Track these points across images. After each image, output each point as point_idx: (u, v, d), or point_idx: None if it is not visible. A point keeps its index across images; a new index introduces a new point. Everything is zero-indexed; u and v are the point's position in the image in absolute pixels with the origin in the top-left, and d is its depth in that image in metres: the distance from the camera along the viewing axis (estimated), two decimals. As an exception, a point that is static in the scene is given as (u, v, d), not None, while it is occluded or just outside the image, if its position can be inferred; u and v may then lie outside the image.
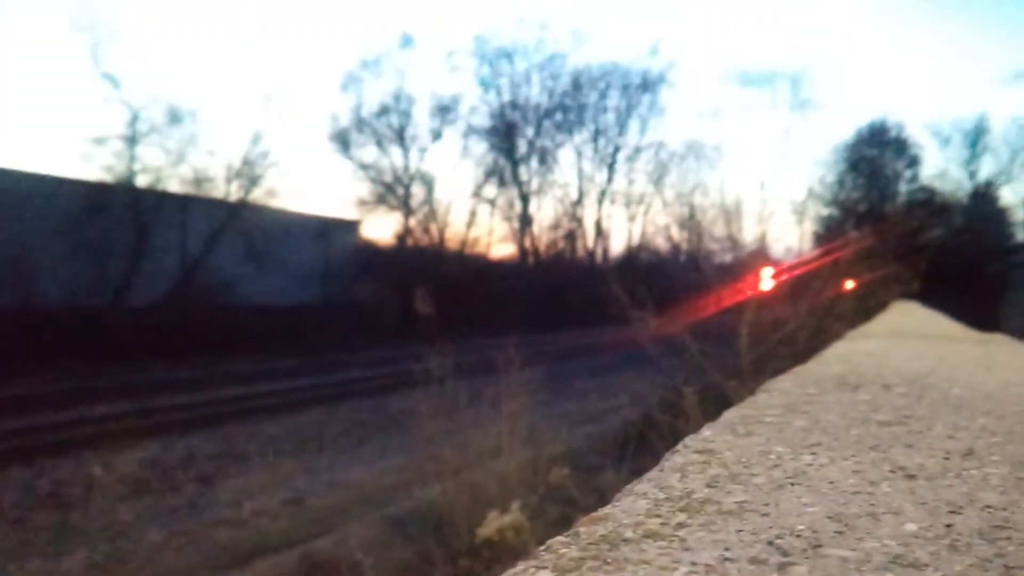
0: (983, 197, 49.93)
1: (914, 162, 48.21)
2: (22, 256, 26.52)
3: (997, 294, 33.74)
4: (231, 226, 34.63)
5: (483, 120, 56.91)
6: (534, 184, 58.39)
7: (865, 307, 11.89)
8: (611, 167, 60.70)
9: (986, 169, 51.81)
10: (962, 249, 39.26)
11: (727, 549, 1.02)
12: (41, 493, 11.48)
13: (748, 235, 12.07)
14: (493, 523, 3.92)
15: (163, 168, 34.58)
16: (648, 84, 59.86)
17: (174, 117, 35.04)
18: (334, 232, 42.86)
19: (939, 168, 51.34)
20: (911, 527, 1.11)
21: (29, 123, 51.47)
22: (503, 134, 56.38)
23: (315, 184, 62.70)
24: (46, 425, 15.12)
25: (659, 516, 1.15)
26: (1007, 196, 50.82)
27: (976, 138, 51.38)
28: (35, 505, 11.03)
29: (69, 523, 10.40)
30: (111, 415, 16.28)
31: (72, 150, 33.02)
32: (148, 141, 34.11)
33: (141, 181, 33.43)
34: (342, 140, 51.07)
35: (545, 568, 0.95)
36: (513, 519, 3.82)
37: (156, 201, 32.43)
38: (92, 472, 12.13)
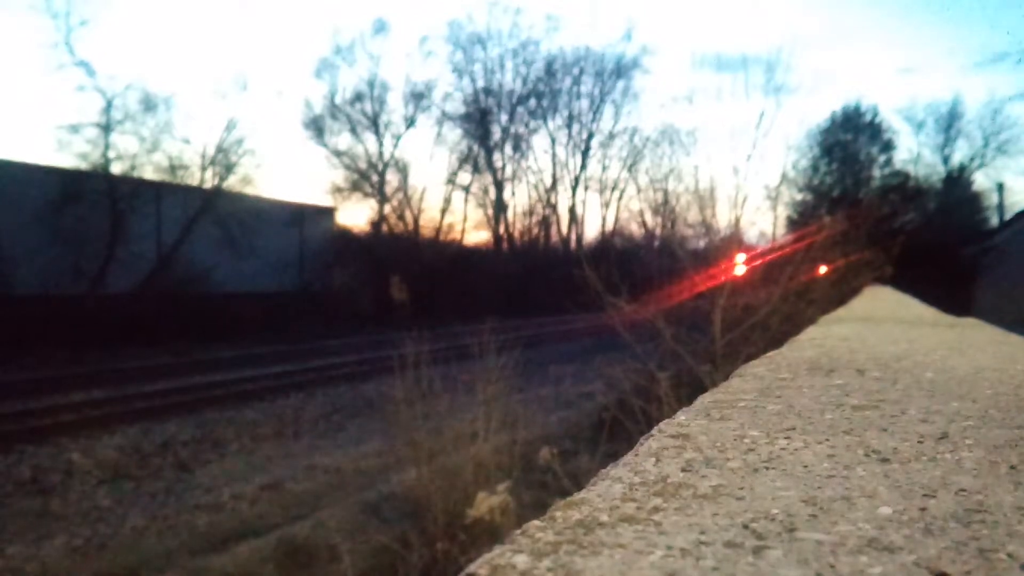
0: (957, 182, 50.24)
1: (888, 147, 48.41)
2: (-2, 243, 26.41)
3: (970, 278, 33.97)
4: (206, 213, 34.56)
5: (457, 106, 56.94)
6: (508, 170, 58.49)
7: (838, 292, 11.95)
8: (585, 153, 60.90)
9: (960, 153, 52.18)
10: (936, 234, 39.47)
11: (702, 533, 1.02)
12: (21, 479, 11.44)
13: (722, 220, 12.09)
14: (483, 503, 3.96)
15: (138, 155, 34.54)
16: (622, 70, 60.02)
17: (148, 104, 34.97)
18: (310, 219, 42.80)
19: (913, 153, 51.62)
20: (885, 511, 1.12)
21: (3, 111, 50.95)
22: (477, 120, 56.35)
23: (289, 171, 62.56)
24: (24, 412, 15.06)
25: (634, 500, 1.15)
26: (981, 180, 51.19)
27: (950, 123, 51.69)
28: (15, 491, 10.99)
29: (49, 508, 10.37)
30: (89, 402, 16.24)
31: (48, 137, 32.82)
32: (122, 128, 34.06)
33: (116, 168, 33.32)
34: (316, 127, 51.06)
35: (521, 552, 0.95)
36: (501, 500, 3.87)
37: (131, 188, 32.30)
38: (71, 458, 12.11)
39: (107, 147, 33.27)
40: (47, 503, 10.57)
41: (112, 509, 10.36)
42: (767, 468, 1.33)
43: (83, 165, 32.47)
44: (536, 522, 1.06)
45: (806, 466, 1.34)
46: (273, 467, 12.22)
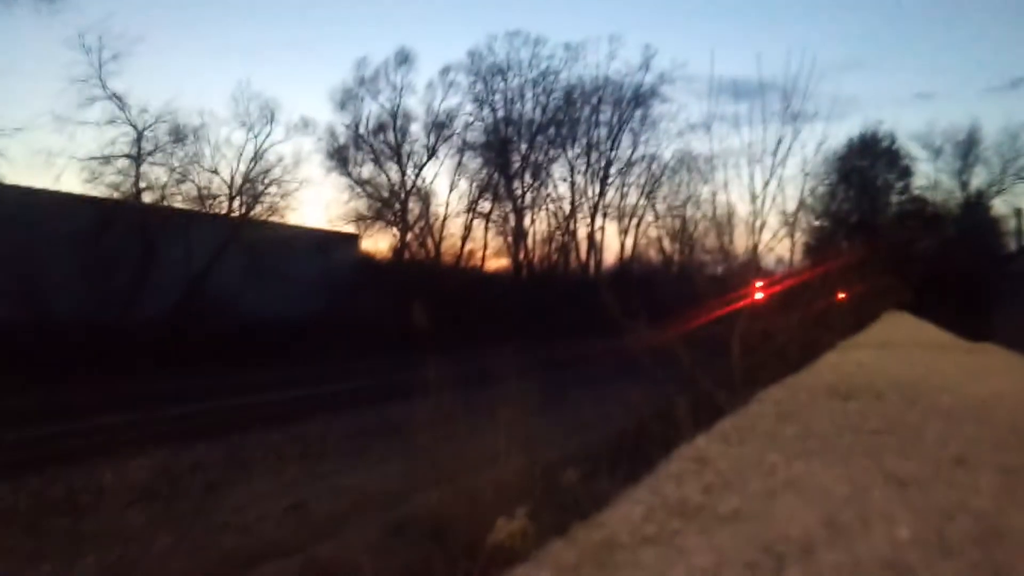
0: (975, 207, 50.00)
1: (905, 173, 48.01)
2: (34, 271, 26.80)
3: (989, 304, 33.77)
4: (234, 241, 35.03)
5: (478, 136, 57.31)
6: (528, 198, 58.72)
7: (857, 317, 11.86)
8: (604, 181, 61.04)
9: (978, 179, 51.99)
10: (954, 259, 39.27)
11: (722, 554, 1.03)
12: (54, 499, 11.51)
13: (740, 246, 12.01)
14: (503, 529, 3.97)
15: (168, 185, 35.29)
16: (640, 98, 60.23)
17: (178, 136, 35.60)
18: (334, 246, 43.26)
19: (930, 179, 51.28)
20: (903, 533, 1.13)
21: (39, 141, 51.75)
22: (497, 149, 56.71)
23: (313, 198, 63.32)
24: (58, 434, 15.21)
25: (655, 522, 1.16)
26: (999, 206, 50.94)
27: (967, 149, 51.48)
28: (48, 511, 11.05)
29: (81, 528, 10.42)
30: (121, 424, 16.34)
31: (79, 168, 33.35)
32: (153, 159, 34.76)
33: (146, 198, 33.96)
34: (340, 157, 51.56)
35: (545, 572, 0.97)
36: (521, 524, 3.87)
37: (162, 218, 32.86)
38: (103, 479, 12.17)
39: (138, 178, 33.96)
40: (79, 523, 10.62)
41: (142, 529, 10.38)
42: (786, 491, 1.34)
43: (114, 195, 33.09)
44: (559, 542, 1.08)
45: (824, 489, 1.35)
46: (298, 488, 12.22)
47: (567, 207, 60.31)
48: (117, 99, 33.90)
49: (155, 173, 35.13)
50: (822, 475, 1.46)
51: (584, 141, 60.52)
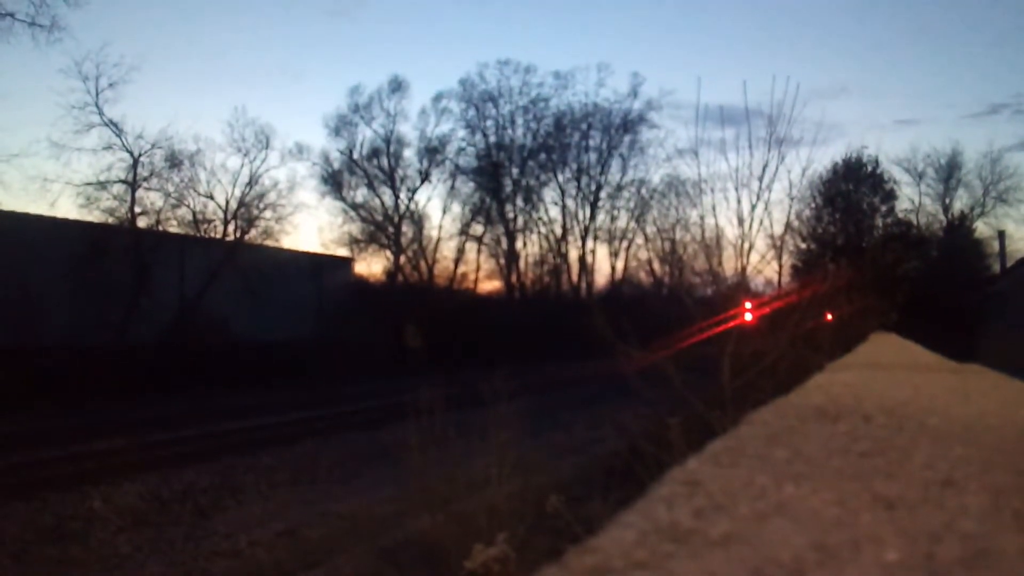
0: (958, 230, 50.76)
1: (889, 196, 48.32)
2: (27, 296, 26.87)
3: (973, 324, 34.06)
4: (228, 265, 35.23)
5: (470, 161, 58.65)
6: (520, 221, 59.80)
7: (844, 339, 11.88)
8: (594, 204, 62.19)
9: (960, 202, 53.09)
10: (939, 281, 39.67)
11: (713, 578, 1.04)
12: (43, 526, 11.45)
13: (728, 269, 12.05)
14: (479, 556, 3.93)
15: (163, 210, 36.04)
16: (628, 125, 61.36)
17: (173, 161, 36.03)
18: (328, 269, 43.61)
19: (914, 202, 52.06)
20: (892, 556, 1.13)
21: (35, 167, 52.04)
22: (489, 174, 57.75)
23: (307, 222, 63.87)
24: (49, 460, 15.20)
25: (647, 546, 1.17)
26: (982, 228, 51.93)
27: (950, 173, 52.55)
28: (37, 538, 11.00)
29: (70, 555, 10.38)
30: (112, 450, 16.31)
31: (75, 193, 33.74)
32: (148, 185, 35.43)
33: (141, 223, 34.43)
34: (335, 182, 52.24)
35: (538, 596, 0.97)
36: (499, 551, 3.83)
37: (156, 242, 33.17)
38: (93, 505, 12.12)
39: (133, 203, 34.66)
40: (68, 550, 10.58)
41: (132, 556, 10.36)
42: (776, 514, 1.34)
43: (110, 220, 33.35)
44: (551, 568, 1.08)
45: (814, 512, 1.35)
46: (290, 513, 12.21)
47: (558, 230, 61.23)
48: (114, 126, 34.34)
49: (150, 198, 36.06)
50: (812, 498, 1.46)
51: (574, 166, 61.78)
